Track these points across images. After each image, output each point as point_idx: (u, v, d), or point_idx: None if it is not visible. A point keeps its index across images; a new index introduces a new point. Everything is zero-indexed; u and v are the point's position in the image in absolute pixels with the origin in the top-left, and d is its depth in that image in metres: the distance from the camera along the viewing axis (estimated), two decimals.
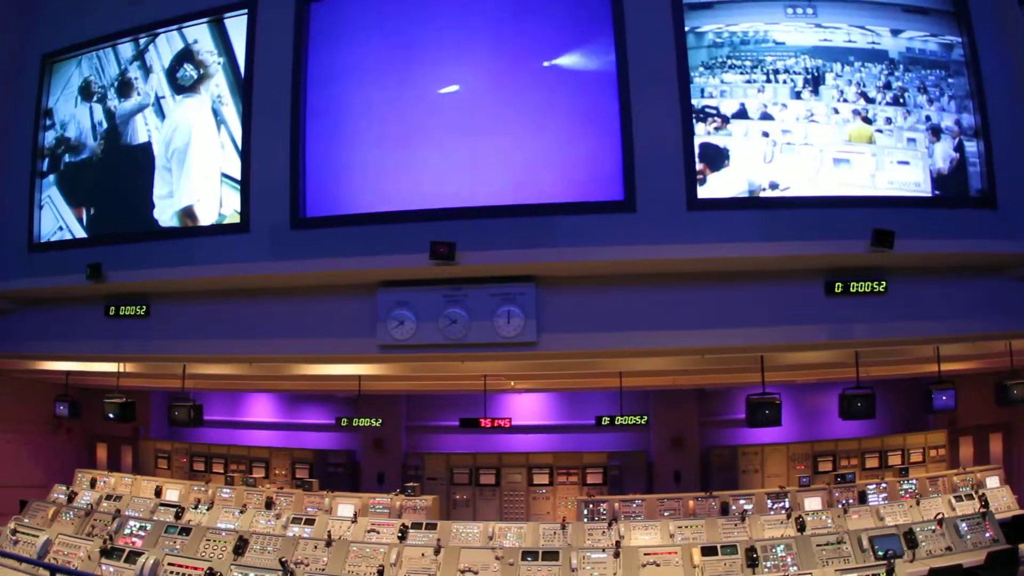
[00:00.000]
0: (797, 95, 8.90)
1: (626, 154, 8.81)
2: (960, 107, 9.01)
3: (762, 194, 8.77)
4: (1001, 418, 15.47)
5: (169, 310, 10.38)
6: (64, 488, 14.10)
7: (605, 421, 13.84)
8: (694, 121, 8.86)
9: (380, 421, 14.92)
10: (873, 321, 8.89)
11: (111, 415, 12.30)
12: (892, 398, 16.52)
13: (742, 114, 8.87)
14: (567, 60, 9.15)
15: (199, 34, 10.34)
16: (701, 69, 8.95)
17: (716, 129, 8.85)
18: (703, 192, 8.78)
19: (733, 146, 8.86)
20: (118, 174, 10.71)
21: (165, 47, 10.51)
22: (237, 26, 10.10)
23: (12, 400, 15.92)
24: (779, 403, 10.21)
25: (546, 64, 9.20)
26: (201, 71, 10.25)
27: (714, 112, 8.86)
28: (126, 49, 10.79)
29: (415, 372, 13.47)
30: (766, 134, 8.84)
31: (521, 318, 8.97)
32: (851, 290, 8.77)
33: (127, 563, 8.81)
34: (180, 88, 10.38)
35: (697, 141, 8.84)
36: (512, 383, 15.53)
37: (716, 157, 8.80)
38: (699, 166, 8.79)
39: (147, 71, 10.59)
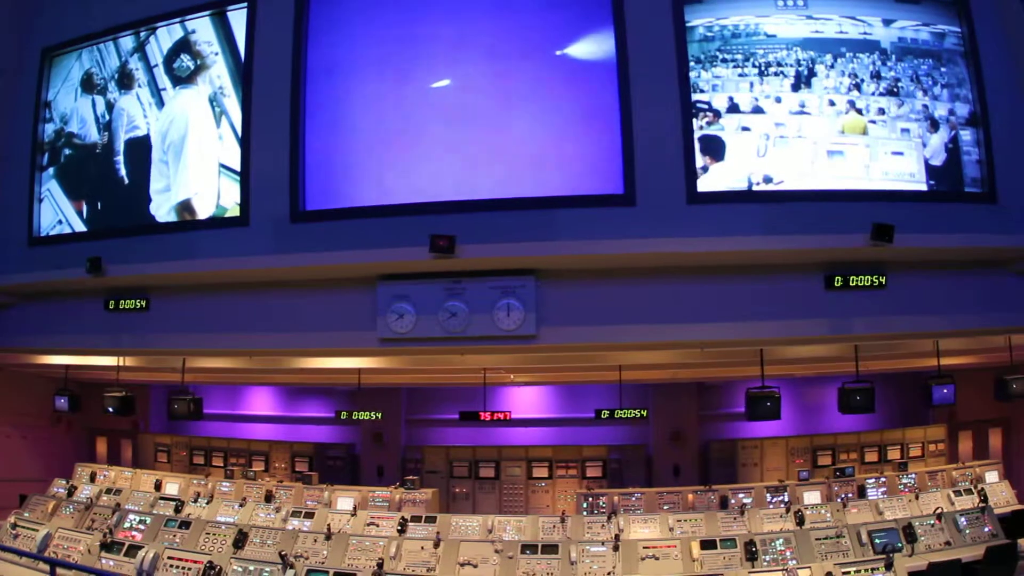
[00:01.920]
0: (789, 88, 8.89)
1: (626, 147, 8.79)
2: (953, 96, 9.00)
3: (756, 188, 8.76)
4: (1000, 413, 15.51)
5: (169, 304, 10.38)
6: (64, 482, 14.09)
7: (604, 414, 13.86)
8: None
9: (380, 414, 14.94)
10: (873, 315, 8.90)
11: (111, 409, 12.31)
12: (891, 392, 16.55)
13: (734, 108, 8.85)
14: (567, 53, 9.13)
15: (199, 25, 10.30)
16: (692, 63, 8.92)
17: (708, 124, 8.83)
18: (707, 183, 8.77)
19: (727, 140, 8.84)
20: (117, 167, 10.68)
21: (165, 38, 10.48)
22: (238, 18, 10.07)
23: (12, 394, 15.94)
24: (778, 397, 10.22)
25: (545, 57, 9.17)
26: (198, 61, 10.22)
27: (706, 107, 8.85)
28: (126, 42, 10.75)
29: (415, 365, 13.47)
30: (747, 128, 8.81)
31: (521, 311, 8.97)
32: (851, 284, 8.78)
33: (127, 557, 8.83)
34: (177, 79, 10.35)
35: (697, 134, 8.83)
36: (512, 376, 15.54)
37: (718, 149, 8.79)
38: (704, 159, 8.78)
39: (147, 63, 10.57)
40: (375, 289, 9.35)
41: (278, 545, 9.46)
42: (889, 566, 7.80)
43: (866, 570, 7.83)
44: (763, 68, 8.91)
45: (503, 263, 8.98)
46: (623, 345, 9.86)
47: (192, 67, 10.25)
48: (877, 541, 9.04)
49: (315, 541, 9.64)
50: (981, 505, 10.60)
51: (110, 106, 10.77)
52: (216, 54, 10.14)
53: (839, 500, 11.75)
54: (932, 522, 9.74)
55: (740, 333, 9.05)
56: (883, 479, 13.43)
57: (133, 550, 8.84)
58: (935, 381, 10.54)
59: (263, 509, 11.99)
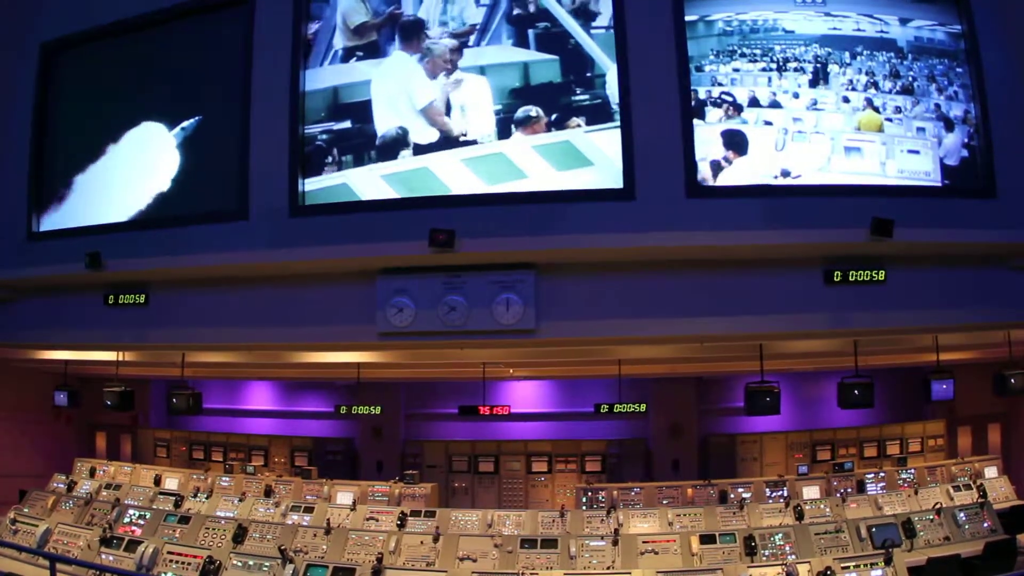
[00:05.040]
0: (807, 84, 8.89)
1: (625, 142, 8.77)
2: (969, 96, 9.01)
3: (774, 182, 8.76)
4: (1000, 408, 15.51)
5: (168, 299, 10.36)
6: (63, 477, 14.12)
7: (604, 409, 13.85)
8: (706, 108, 8.83)
9: (379, 409, 14.95)
10: (872, 310, 8.89)
11: (110, 404, 12.30)
12: (891, 387, 16.53)
13: (754, 102, 8.85)
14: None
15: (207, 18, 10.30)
16: (711, 57, 8.94)
17: (728, 116, 8.83)
18: (730, 177, 8.77)
19: (749, 134, 8.84)
20: (119, 161, 10.66)
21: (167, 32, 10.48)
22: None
23: (11, 389, 15.94)
24: (778, 391, 10.21)
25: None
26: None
27: (730, 100, 8.84)
28: (129, 38, 10.71)
29: (414, 359, 13.47)
30: (769, 123, 8.81)
31: (520, 305, 8.95)
32: (850, 279, 8.76)
33: (127, 552, 8.84)
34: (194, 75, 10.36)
35: (720, 128, 8.83)
36: (511, 371, 15.55)
37: (741, 143, 8.79)
38: (727, 152, 8.78)
39: (149, 58, 10.56)
40: (374, 283, 9.33)
41: (277, 540, 9.48)
42: (888, 561, 7.80)
43: (865, 565, 7.83)
44: (781, 63, 8.91)
45: (502, 257, 8.96)
46: (622, 339, 9.84)
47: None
48: (876, 536, 9.05)
49: (314, 536, 9.66)
50: (980, 500, 10.62)
51: (111, 99, 10.75)
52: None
53: (838, 495, 11.77)
54: (931, 517, 9.76)
55: (739, 327, 9.04)
56: (882, 474, 13.46)
57: (133, 545, 8.84)
58: (934, 376, 10.54)
59: (262, 504, 12.02)
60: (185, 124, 10.24)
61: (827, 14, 9.03)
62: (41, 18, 11.38)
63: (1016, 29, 9.13)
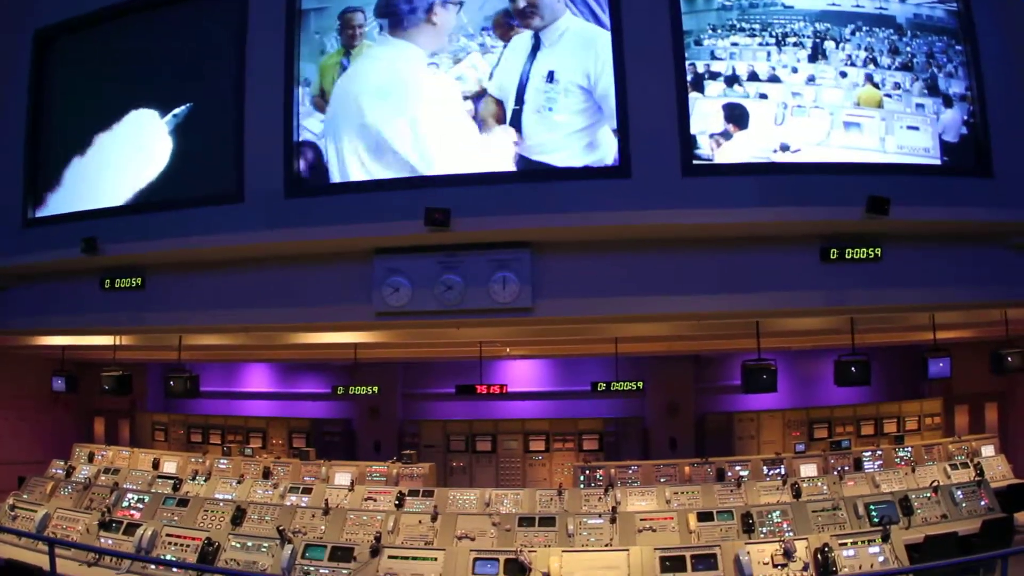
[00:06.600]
0: (806, 58, 8.87)
1: (621, 120, 8.75)
2: (968, 74, 8.99)
3: (773, 156, 8.74)
4: (996, 387, 15.54)
5: (164, 282, 10.37)
6: (62, 463, 14.11)
7: (601, 387, 13.86)
8: (705, 81, 8.81)
9: (376, 389, 14.94)
10: (868, 287, 8.90)
11: (108, 388, 12.27)
12: (888, 365, 16.58)
13: (753, 77, 8.83)
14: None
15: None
16: (710, 31, 8.90)
17: (724, 91, 8.80)
18: (730, 150, 8.75)
19: (750, 108, 8.82)
20: (114, 146, 10.61)
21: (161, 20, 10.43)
22: None
23: (9, 377, 15.97)
24: (775, 369, 10.23)
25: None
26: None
27: (730, 74, 8.81)
28: (123, 23, 10.65)
29: (411, 339, 13.45)
30: (764, 96, 8.78)
31: (516, 284, 8.95)
32: (847, 256, 8.77)
33: (126, 535, 8.83)
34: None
35: (721, 102, 8.80)
36: (507, 349, 15.55)
37: (742, 117, 8.77)
38: (727, 126, 8.76)
39: (144, 43, 10.49)
40: (371, 263, 9.33)
41: (276, 521, 9.47)
42: (886, 538, 7.81)
43: (863, 542, 7.83)
44: (780, 38, 8.88)
45: (499, 236, 8.96)
46: (619, 317, 9.84)
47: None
48: (874, 513, 9.07)
49: (313, 516, 9.66)
50: (977, 479, 10.64)
51: (107, 86, 10.69)
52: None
53: (835, 473, 11.77)
54: (928, 495, 9.79)
55: (736, 305, 9.05)
56: (879, 452, 13.47)
57: (132, 528, 8.84)
58: (931, 354, 10.55)
59: (261, 485, 12.02)
60: (177, 111, 10.20)
61: None
62: (36, 4, 11.29)
63: (1013, 11, 9.11)
